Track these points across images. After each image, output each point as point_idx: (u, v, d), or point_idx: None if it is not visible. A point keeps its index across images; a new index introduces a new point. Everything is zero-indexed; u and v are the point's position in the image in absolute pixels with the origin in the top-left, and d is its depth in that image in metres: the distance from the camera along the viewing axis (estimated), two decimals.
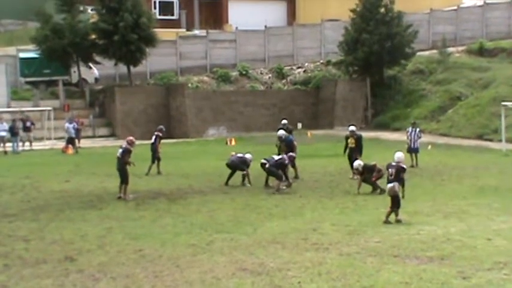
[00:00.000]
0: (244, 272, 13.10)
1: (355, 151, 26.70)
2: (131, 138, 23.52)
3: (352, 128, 27.57)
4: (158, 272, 13.21)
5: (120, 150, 22.95)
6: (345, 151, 27.29)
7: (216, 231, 16.77)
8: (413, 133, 31.30)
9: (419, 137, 31.51)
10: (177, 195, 22.98)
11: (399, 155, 18.34)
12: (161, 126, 31.22)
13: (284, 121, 31.38)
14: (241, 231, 16.83)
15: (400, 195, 17.77)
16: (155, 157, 28.98)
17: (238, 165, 25.16)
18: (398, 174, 17.83)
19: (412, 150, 30.74)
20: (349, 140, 27.16)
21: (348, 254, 14.27)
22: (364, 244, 15.18)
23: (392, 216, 17.62)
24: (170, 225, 17.88)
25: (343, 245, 15.09)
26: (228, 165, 25.37)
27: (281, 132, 27.36)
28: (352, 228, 16.86)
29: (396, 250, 14.54)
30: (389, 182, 17.99)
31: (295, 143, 26.98)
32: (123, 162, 22.72)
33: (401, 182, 17.91)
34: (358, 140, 27.08)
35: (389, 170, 18.12)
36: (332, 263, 13.54)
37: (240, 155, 25.49)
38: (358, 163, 23.81)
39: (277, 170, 23.70)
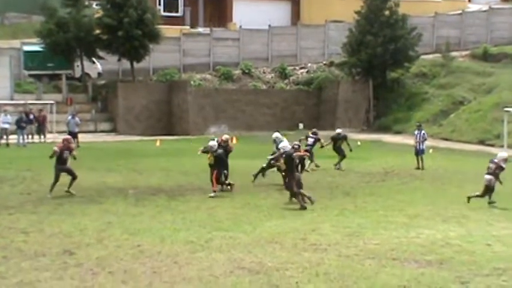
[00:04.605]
0: (242, 270, 13.08)
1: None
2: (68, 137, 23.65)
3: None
4: (156, 267, 13.20)
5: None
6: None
7: (215, 229, 16.75)
8: (418, 135, 31.45)
9: (425, 139, 31.64)
10: (176, 192, 22.96)
11: (502, 155, 21.61)
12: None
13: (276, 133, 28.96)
14: (240, 229, 16.81)
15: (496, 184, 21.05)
16: None
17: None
18: (496, 170, 20.98)
19: (418, 152, 30.87)
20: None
21: (347, 256, 14.25)
22: (363, 246, 15.15)
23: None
24: (169, 221, 17.86)
25: (342, 247, 15.06)
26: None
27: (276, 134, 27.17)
28: (351, 230, 16.84)
29: (395, 253, 14.52)
30: (488, 174, 21.08)
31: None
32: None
33: (496, 176, 21.07)
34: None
35: (491, 164, 21.18)
36: (330, 264, 13.52)
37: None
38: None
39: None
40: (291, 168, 20.18)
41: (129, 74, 52.09)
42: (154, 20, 49.68)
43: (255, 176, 25.36)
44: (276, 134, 27.12)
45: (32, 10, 56.99)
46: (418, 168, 30.29)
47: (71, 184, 22.26)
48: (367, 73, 52.41)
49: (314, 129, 31.92)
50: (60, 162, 22.16)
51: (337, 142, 30.87)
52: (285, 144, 20.40)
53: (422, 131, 32.07)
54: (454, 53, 56.63)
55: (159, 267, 13.26)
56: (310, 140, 30.19)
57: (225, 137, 24.90)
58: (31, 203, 20.48)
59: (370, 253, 14.47)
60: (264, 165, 25.15)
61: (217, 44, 56.67)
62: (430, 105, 50.30)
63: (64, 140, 22.94)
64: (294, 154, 20.29)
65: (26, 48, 52.28)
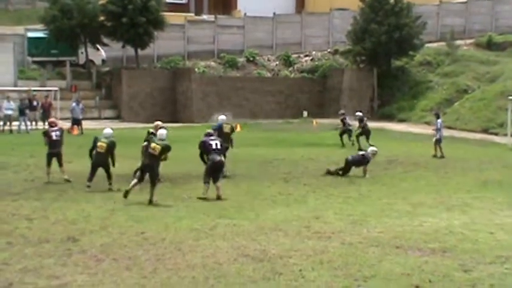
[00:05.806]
0: (246, 258, 13.11)
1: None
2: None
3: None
4: (160, 255, 13.24)
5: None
6: None
7: (218, 217, 16.78)
8: (438, 123, 31.28)
9: (438, 128, 31.41)
10: (180, 180, 23.02)
11: None
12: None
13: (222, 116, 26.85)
14: (243, 217, 16.84)
15: None
16: None
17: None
18: None
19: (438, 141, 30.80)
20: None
21: (350, 244, 14.27)
22: (366, 234, 15.18)
23: None
24: (173, 209, 17.90)
25: (346, 234, 15.08)
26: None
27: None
28: (355, 218, 16.86)
29: (398, 241, 14.54)
30: None
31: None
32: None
33: None
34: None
35: None
36: (334, 252, 13.55)
37: None
38: None
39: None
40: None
41: (133, 61, 52.05)
42: (159, 7, 49.56)
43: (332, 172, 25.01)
44: (222, 117, 25.58)
45: None
46: (435, 156, 30.24)
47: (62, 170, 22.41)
48: (371, 61, 52.37)
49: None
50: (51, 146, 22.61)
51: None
52: (162, 132, 20.35)
53: (439, 120, 31.89)
54: (458, 42, 56.50)
55: (163, 254, 13.30)
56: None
57: (156, 123, 23.61)
58: (35, 190, 20.53)
59: (373, 241, 14.49)
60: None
61: (222, 31, 56.58)
62: (434, 93, 50.25)
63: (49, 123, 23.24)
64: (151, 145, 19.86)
65: (30, 34, 52.21)
